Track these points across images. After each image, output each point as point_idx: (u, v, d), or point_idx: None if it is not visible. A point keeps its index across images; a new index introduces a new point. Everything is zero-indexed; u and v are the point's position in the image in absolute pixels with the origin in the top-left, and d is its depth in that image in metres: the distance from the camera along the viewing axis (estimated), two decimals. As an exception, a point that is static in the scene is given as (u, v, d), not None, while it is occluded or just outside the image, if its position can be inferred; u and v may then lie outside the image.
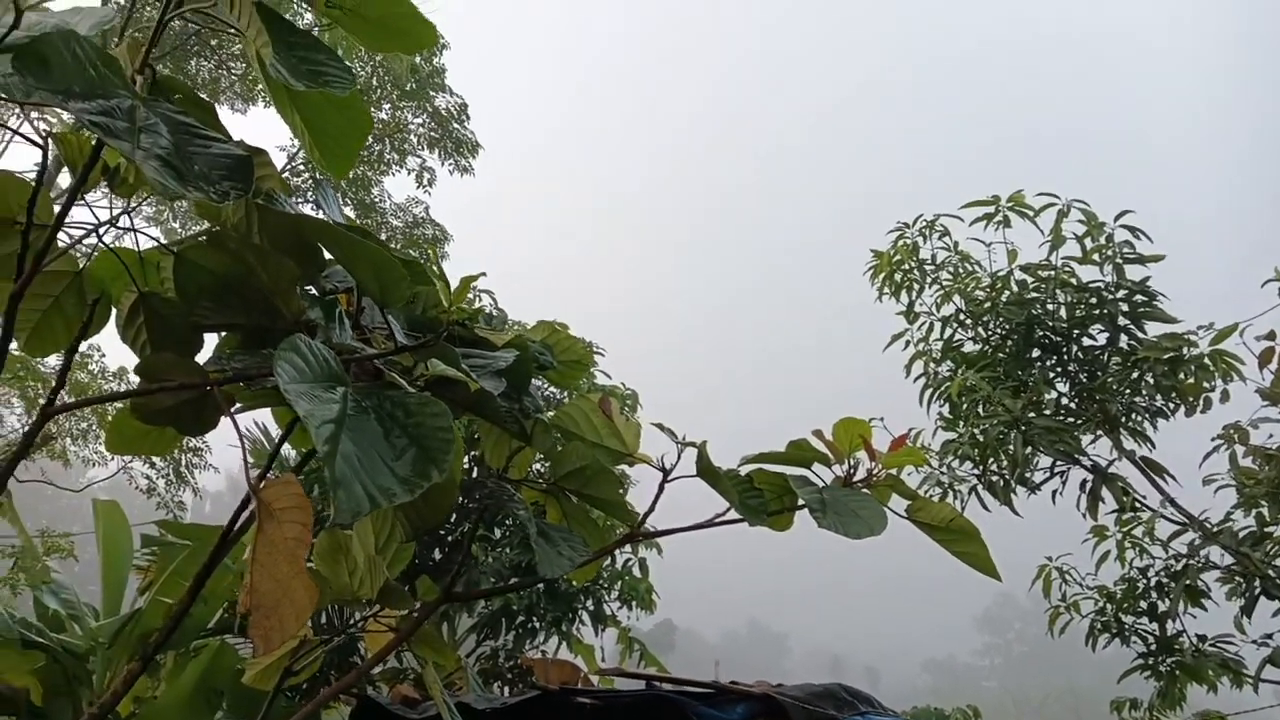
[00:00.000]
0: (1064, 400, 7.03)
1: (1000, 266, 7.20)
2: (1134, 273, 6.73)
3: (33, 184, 1.47)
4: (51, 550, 11.45)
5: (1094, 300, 6.78)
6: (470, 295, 1.68)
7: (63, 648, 3.52)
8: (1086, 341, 6.92)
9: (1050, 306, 6.93)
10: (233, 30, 1.39)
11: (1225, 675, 6.29)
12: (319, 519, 1.37)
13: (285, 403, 1.18)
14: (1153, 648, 6.54)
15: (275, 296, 1.52)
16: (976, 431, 6.70)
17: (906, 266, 7.58)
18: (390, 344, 1.52)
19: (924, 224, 7.59)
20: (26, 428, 12.47)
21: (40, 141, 1.49)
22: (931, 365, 7.48)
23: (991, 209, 7.10)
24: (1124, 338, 6.74)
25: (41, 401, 11.91)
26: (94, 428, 12.86)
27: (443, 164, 13.91)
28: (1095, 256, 6.80)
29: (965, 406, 6.95)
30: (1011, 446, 6.44)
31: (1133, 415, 6.72)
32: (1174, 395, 6.49)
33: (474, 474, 5.16)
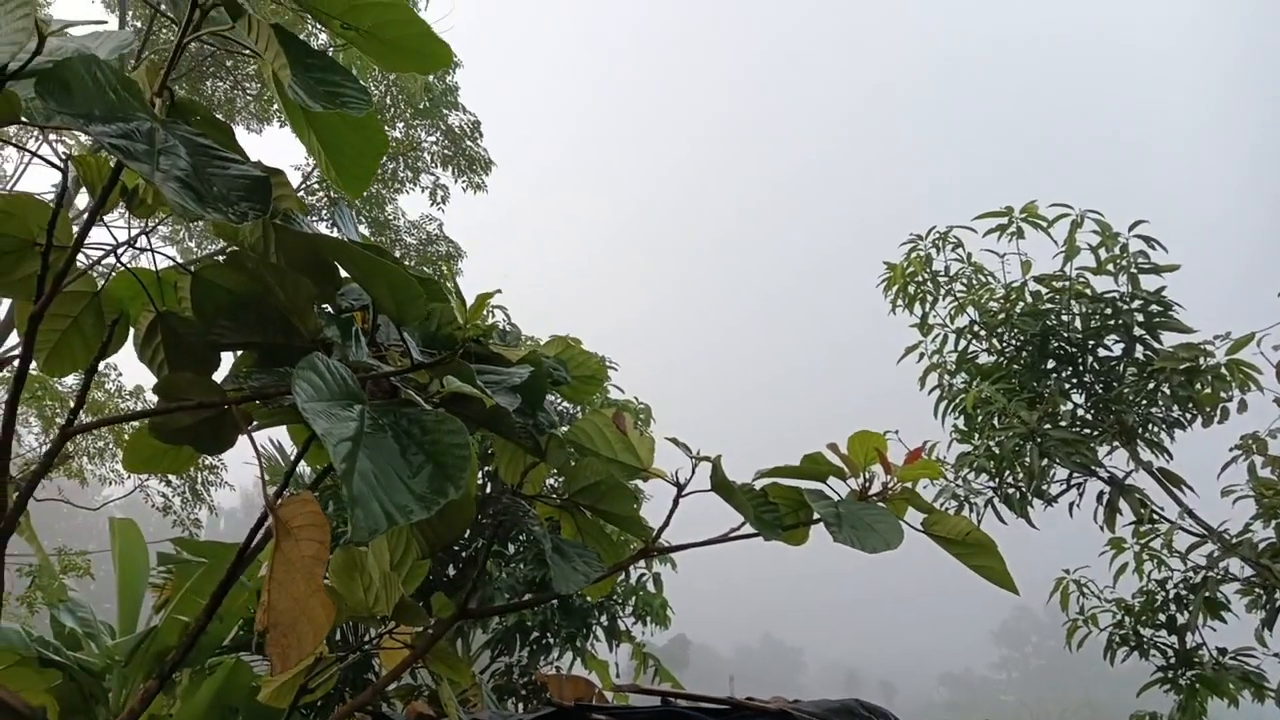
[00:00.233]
0: (1080, 412, 6.99)
1: (1014, 277, 7.20)
2: (1149, 283, 6.70)
3: (52, 205, 1.48)
4: (68, 569, 11.51)
5: (1109, 311, 6.75)
6: (484, 311, 1.68)
7: (79, 666, 3.54)
8: (1102, 352, 6.89)
9: (1065, 317, 6.90)
10: (249, 52, 1.41)
11: (1246, 689, 6.22)
12: (335, 536, 1.37)
13: (302, 420, 1.18)
14: (1172, 661, 6.48)
15: (292, 315, 1.53)
16: (992, 444, 6.68)
17: (920, 278, 7.57)
18: (406, 361, 1.52)
19: (937, 236, 7.58)
20: (44, 446, 12.56)
21: (60, 164, 1.51)
22: (946, 377, 7.45)
23: (1005, 220, 7.09)
24: (1140, 348, 6.71)
25: (59, 420, 11.99)
26: (111, 446, 12.94)
27: (456, 181, 14.00)
28: (1110, 267, 6.77)
29: (980, 419, 6.92)
30: (1027, 458, 6.41)
31: (1149, 426, 6.68)
32: (1191, 406, 6.45)
33: (488, 489, 5.16)
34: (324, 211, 11.51)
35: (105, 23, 1.61)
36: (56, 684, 3.16)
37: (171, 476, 12.40)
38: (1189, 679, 6.41)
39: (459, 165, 13.77)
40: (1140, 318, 6.67)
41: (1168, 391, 6.46)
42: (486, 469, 5.11)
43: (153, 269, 1.69)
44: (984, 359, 7.31)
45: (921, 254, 7.59)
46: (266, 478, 1.50)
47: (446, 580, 6.26)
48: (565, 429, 1.95)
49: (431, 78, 12.56)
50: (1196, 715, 6.39)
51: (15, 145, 9.06)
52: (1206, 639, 6.41)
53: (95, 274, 1.69)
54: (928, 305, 7.58)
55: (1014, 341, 7.07)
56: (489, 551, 6.09)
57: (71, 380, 10.47)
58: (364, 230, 13.00)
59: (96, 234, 1.51)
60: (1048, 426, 6.49)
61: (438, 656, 2.15)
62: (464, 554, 6.48)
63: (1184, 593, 6.42)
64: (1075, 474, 6.71)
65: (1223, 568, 6.23)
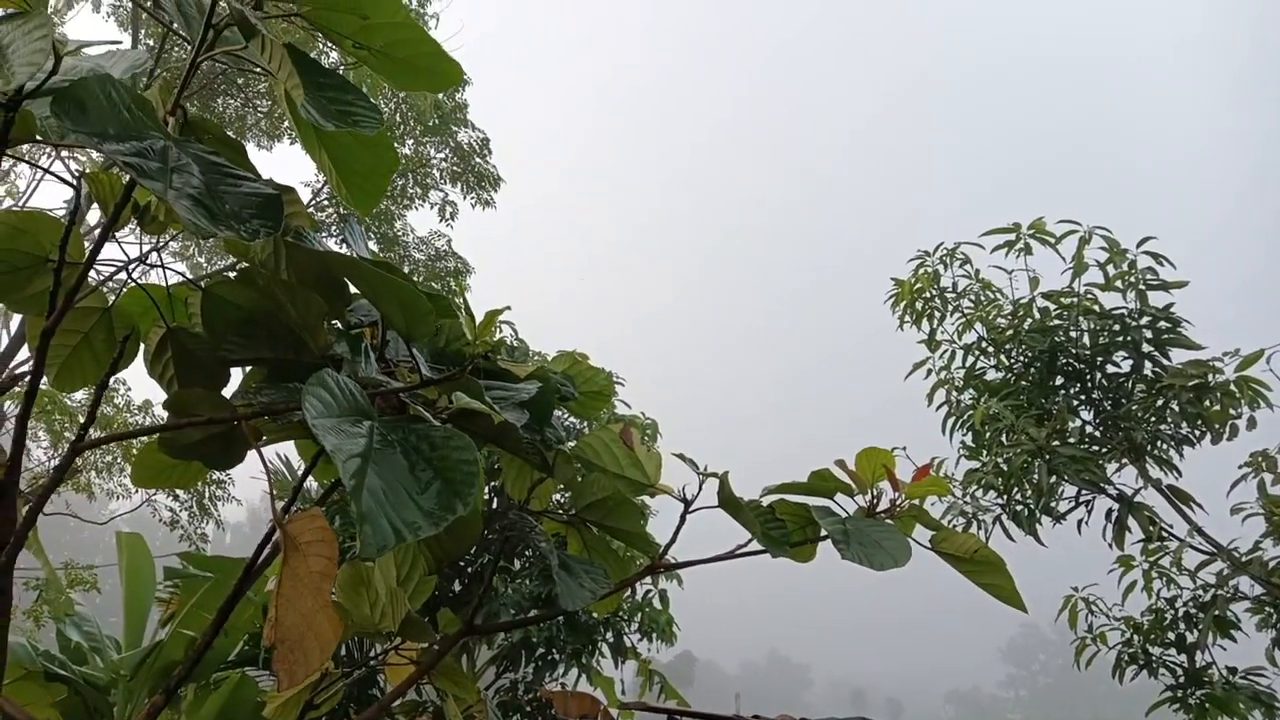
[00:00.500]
0: (1088, 428, 6.97)
1: (1022, 294, 7.18)
2: (1157, 299, 6.69)
3: (64, 222, 1.49)
4: (75, 583, 11.52)
5: (1117, 327, 6.74)
6: (492, 328, 1.69)
7: (85, 680, 3.54)
8: (1110, 369, 6.87)
9: (1073, 334, 6.89)
10: (260, 70, 1.42)
11: (1257, 709, 6.16)
12: (341, 551, 1.37)
13: (311, 436, 1.18)
14: (1181, 680, 6.43)
15: (302, 331, 1.53)
16: (1000, 461, 6.65)
17: (927, 295, 7.56)
18: (415, 377, 1.53)
19: (944, 252, 7.58)
20: (52, 461, 12.60)
21: (73, 181, 1.52)
22: (954, 394, 7.44)
23: (1013, 236, 7.09)
24: (1148, 365, 6.68)
25: (68, 435, 12.03)
26: (118, 460, 12.98)
27: (465, 197, 14.05)
28: (1118, 283, 6.76)
29: (988, 435, 6.91)
30: (1036, 475, 6.39)
31: (1158, 443, 6.65)
32: (1200, 422, 6.42)
33: (495, 505, 5.16)
34: (334, 227, 11.56)
35: (120, 42, 1.62)
36: (62, 698, 3.16)
37: (179, 491, 12.43)
38: (1198, 698, 6.35)
39: (468, 182, 13.83)
40: (1149, 334, 6.65)
41: (1177, 408, 6.43)
42: (493, 484, 5.11)
43: (163, 285, 1.70)
44: (992, 375, 7.29)
45: (929, 270, 7.59)
46: (274, 493, 1.50)
47: (452, 596, 6.25)
48: (573, 444, 1.95)
49: (441, 96, 12.63)
50: (1206, 735, 6.34)
51: (29, 162, 9.13)
52: (1216, 658, 6.35)
53: (106, 290, 1.70)
54: (935, 321, 7.57)
55: (1022, 358, 7.06)
56: (495, 567, 6.08)
57: (80, 395, 10.51)
58: (373, 246, 13.05)
59: (108, 250, 1.52)
60: (1056, 443, 6.47)
61: (443, 673, 2.14)
62: (470, 569, 6.48)
63: (1193, 611, 6.37)
64: (1084, 491, 6.68)
65: (1232, 586, 6.19)
